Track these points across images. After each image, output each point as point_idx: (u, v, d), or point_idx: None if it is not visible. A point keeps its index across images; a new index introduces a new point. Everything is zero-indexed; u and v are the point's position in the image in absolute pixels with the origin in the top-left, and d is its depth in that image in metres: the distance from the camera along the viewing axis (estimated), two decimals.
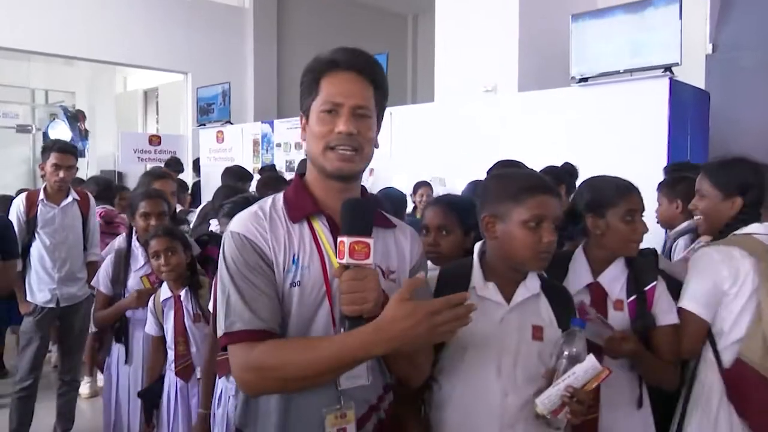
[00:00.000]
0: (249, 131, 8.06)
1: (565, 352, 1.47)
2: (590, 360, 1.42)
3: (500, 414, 1.53)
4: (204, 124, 8.82)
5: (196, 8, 9.09)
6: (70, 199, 3.76)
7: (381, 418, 1.42)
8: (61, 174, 3.62)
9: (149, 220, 2.92)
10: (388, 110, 5.06)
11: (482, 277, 1.61)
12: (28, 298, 3.67)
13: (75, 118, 9.46)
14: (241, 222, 1.36)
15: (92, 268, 3.94)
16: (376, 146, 1.42)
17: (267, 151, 7.70)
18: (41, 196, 3.68)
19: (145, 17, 8.55)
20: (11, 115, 11.41)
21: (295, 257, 1.33)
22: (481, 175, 4.67)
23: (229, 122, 8.43)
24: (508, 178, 1.64)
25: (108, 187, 5.17)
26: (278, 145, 7.58)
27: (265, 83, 9.70)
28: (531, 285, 1.61)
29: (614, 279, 1.92)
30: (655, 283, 1.90)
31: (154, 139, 8.90)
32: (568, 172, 3.67)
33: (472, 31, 5.99)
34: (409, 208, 5.08)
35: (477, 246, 1.70)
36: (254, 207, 1.40)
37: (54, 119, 10.20)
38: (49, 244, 3.67)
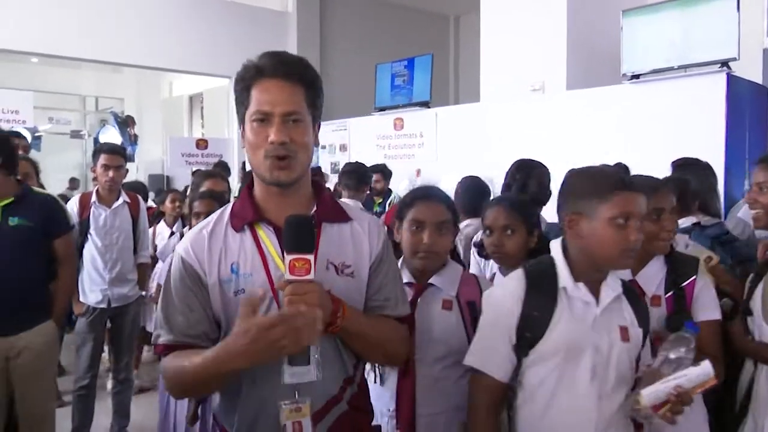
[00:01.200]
0: None
1: (672, 355, 1.47)
2: (705, 365, 1.43)
3: (596, 419, 1.50)
4: None
5: (240, 13, 9.19)
6: (120, 201, 3.84)
7: (343, 410, 1.43)
8: (111, 174, 3.71)
9: (199, 220, 2.97)
10: (433, 111, 5.07)
11: (571, 277, 1.56)
12: (81, 299, 3.75)
13: (125, 123, 9.69)
14: (184, 241, 1.43)
15: (142, 269, 4.05)
16: (317, 145, 1.44)
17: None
18: (93, 198, 3.77)
19: (189, 23, 8.67)
20: (64, 121, 11.79)
21: (234, 266, 1.37)
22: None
23: None
24: (592, 175, 1.58)
25: (141, 189, 5.34)
26: (323, 147, 7.62)
27: None
28: (614, 284, 1.59)
29: (652, 276, 1.90)
30: (694, 277, 1.87)
31: (201, 143, 9.02)
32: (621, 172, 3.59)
33: (518, 29, 5.92)
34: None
35: (555, 244, 1.64)
36: (203, 222, 1.46)
37: (105, 125, 10.46)
38: (101, 245, 3.74)
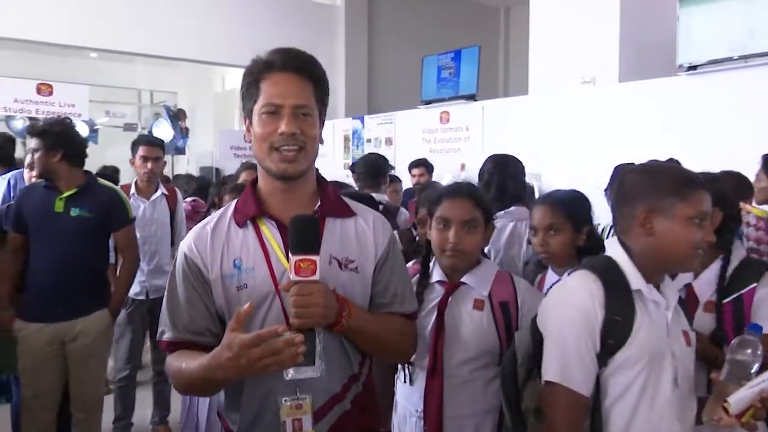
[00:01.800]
0: (340, 127, 8.14)
1: (739, 357, 1.40)
2: None
3: (679, 430, 1.42)
4: None
5: (290, 7, 9.25)
6: (159, 193, 3.92)
7: (346, 409, 1.42)
8: (149, 165, 3.79)
9: None
10: (479, 104, 4.95)
11: (642, 278, 1.46)
12: None
13: (176, 116, 9.90)
14: (187, 238, 1.45)
15: None
16: (321, 142, 1.45)
17: (357, 147, 7.75)
18: (132, 190, 3.84)
19: (239, 18, 8.77)
20: (119, 114, 12.12)
21: (237, 261, 1.38)
22: (581, 171, 4.48)
23: None
24: (666, 171, 1.51)
25: (204, 185, 5.41)
26: (368, 140, 7.60)
27: (357, 79, 9.74)
28: (672, 287, 1.52)
29: (710, 281, 1.84)
30: (755, 285, 1.77)
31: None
32: None
33: (569, 20, 5.74)
34: None
35: (615, 244, 1.53)
36: (207, 218, 1.48)
37: (158, 118, 10.72)
38: (139, 237, 3.75)
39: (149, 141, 3.93)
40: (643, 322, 1.42)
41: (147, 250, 3.83)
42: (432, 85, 6.79)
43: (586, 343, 1.41)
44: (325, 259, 1.35)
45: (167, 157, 10.99)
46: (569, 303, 1.46)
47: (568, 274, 2.16)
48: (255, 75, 1.39)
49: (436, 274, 1.90)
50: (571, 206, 2.12)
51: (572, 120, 5.19)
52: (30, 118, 6.85)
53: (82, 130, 9.15)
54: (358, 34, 9.83)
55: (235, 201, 1.48)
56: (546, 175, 5.12)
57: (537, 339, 1.52)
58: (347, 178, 6.66)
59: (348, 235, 1.45)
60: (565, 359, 1.42)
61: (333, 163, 8.01)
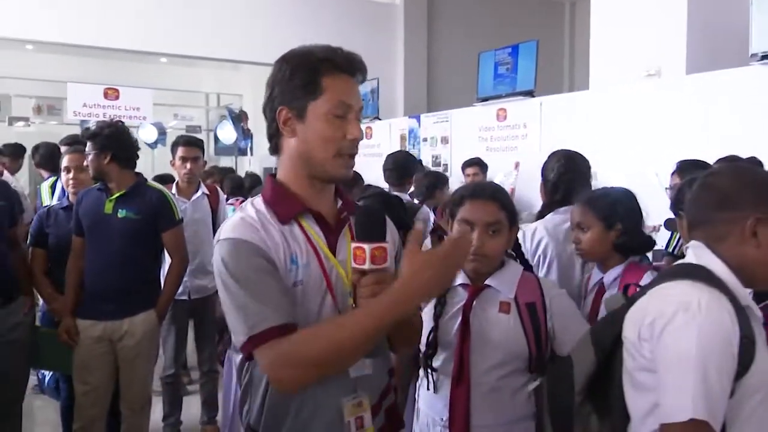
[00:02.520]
0: (396, 126, 8.07)
1: None
2: None
3: None
4: None
5: (349, 7, 9.29)
6: (200, 193, 3.94)
7: (391, 402, 1.45)
8: (188, 165, 3.83)
9: None
10: (537, 100, 4.73)
11: (748, 295, 1.32)
12: None
13: (239, 118, 10.08)
14: (233, 228, 1.31)
15: None
16: None
17: (414, 146, 7.65)
18: (173, 190, 3.86)
19: (297, 19, 8.86)
20: (187, 118, 12.50)
21: (294, 256, 1.32)
22: (642, 169, 4.21)
23: (378, 118, 8.51)
24: None
25: (240, 185, 5.47)
26: (425, 139, 7.50)
27: (415, 78, 9.68)
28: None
29: None
30: None
31: None
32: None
33: (632, 10, 5.46)
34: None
35: (704, 252, 1.35)
36: (238, 214, 1.38)
37: (222, 120, 10.98)
38: None
39: (187, 141, 3.95)
40: (760, 343, 1.24)
41: (189, 251, 3.83)
42: (489, 82, 6.61)
43: (728, 372, 1.18)
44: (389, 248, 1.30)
45: (230, 159, 11.43)
46: (706, 322, 1.19)
47: (627, 273, 2.08)
48: (315, 71, 1.33)
49: (459, 277, 1.83)
50: (599, 204, 2.14)
51: (635, 115, 4.91)
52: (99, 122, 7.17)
53: (151, 132, 9.50)
54: (418, 33, 9.77)
55: (256, 199, 1.41)
56: (602, 173, 4.87)
57: (602, 357, 1.37)
58: None
59: None
60: (707, 389, 1.16)
61: None
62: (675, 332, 1.21)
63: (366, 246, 1.22)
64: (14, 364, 2.96)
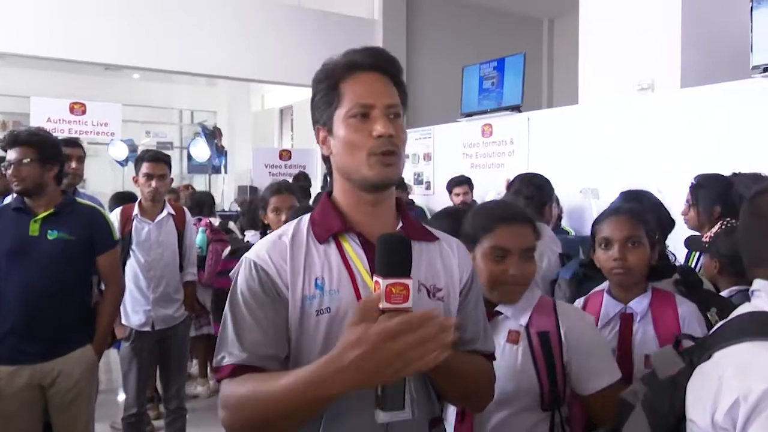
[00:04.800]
0: None
1: None
2: None
3: None
4: None
5: (327, 22, 9.10)
6: (165, 213, 3.58)
7: None
8: (154, 184, 3.46)
9: (280, 215, 2.99)
10: (525, 115, 4.54)
11: None
12: (123, 321, 3.47)
13: (212, 135, 9.77)
14: (258, 248, 1.25)
15: (189, 288, 3.72)
16: None
17: None
18: (136, 210, 3.52)
19: (277, 34, 8.65)
20: (160, 135, 12.15)
21: (319, 281, 1.21)
22: (643, 185, 4.02)
23: None
24: None
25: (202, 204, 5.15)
26: (406, 156, 7.25)
27: None
28: None
29: None
30: None
31: (285, 154, 8.96)
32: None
33: (623, 23, 5.32)
34: None
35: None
36: (280, 230, 1.31)
37: (195, 137, 10.65)
38: (144, 261, 3.47)
39: (153, 157, 3.57)
40: None
41: (152, 276, 3.49)
42: (473, 97, 6.41)
43: None
44: (414, 286, 1.12)
45: (204, 177, 11.10)
46: None
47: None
48: (335, 77, 1.25)
49: None
50: (646, 219, 1.92)
51: (629, 130, 4.73)
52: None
53: (121, 150, 9.15)
54: (397, 47, 9.59)
55: (308, 215, 1.33)
56: (604, 190, 4.68)
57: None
58: None
59: (434, 260, 1.30)
60: None
61: None
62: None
63: (381, 281, 1.06)
64: None
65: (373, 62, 1.25)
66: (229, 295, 1.24)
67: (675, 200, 2.89)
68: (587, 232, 3.16)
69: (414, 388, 1.14)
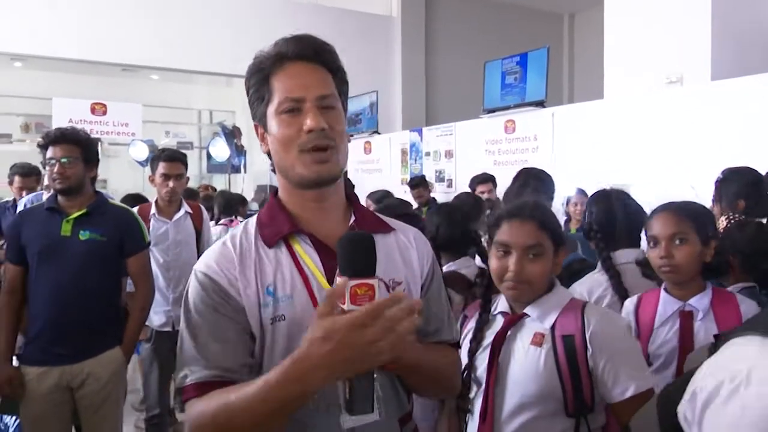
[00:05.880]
0: (397, 141, 7.78)
1: None
2: None
3: None
4: (352, 135, 8.72)
5: (344, 19, 9.08)
6: (182, 212, 3.55)
7: None
8: (171, 184, 3.43)
9: None
10: (549, 110, 4.43)
11: None
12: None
13: (232, 134, 9.76)
14: (206, 258, 1.20)
15: None
16: (348, 141, 1.24)
17: (416, 161, 7.35)
18: (153, 210, 3.49)
19: (294, 32, 8.58)
20: (180, 135, 12.19)
21: (270, 288, 1.16)
22: (675, 181, 3.93)
23: (377, 132, 8.23)
24: None
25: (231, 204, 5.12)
26: (427, 154, 7.19)
27: (414, 91, 9.45)
28: None
29: None
30: None
31: None
32: None
33: (650, 16, 5.20)
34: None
35: None
36: (225, 237, 1.24)
37: (215, 137, 10.66)
38: (162, 261, 3.44)
39: (170, 156, 3.53)
40: None
41: (172, 276, 3.46)
42: (495, 92, 6.33)
43: None
44: (379, 285, 1.08)
45: (223, 176, 11.12)
46: (754, 397, 0.82)
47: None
48: (264, 71, 1.18)
49: (501, 305, 1.66)
50: (696, 214, 1.86)
51: (657, 125, 4.62)
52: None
53: (142, 150, 9.18)
54: (416, 44, 9.57)
55: (255, 216, 1.27)
56: (632, 187, 4.57)
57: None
58: (405, 194, 6.30)
59: (391, 253, 1.25)
60: None
61: (390, 178, 7.65)
62: (714, 414, 0.86)
63: (348, 282, 1.01)
64: None
65: (300, 51, 1.18)
66: (182, 310, 1.19)
67: (709, 197, 2.80)
68: None
69: (381, 387, 1.10)
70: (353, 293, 1.01)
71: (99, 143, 3.76)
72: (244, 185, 10.89)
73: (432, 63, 9.69)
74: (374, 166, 8.18)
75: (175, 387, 1.17)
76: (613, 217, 2.28)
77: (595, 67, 5.95)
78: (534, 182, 3.13)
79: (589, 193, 4.85)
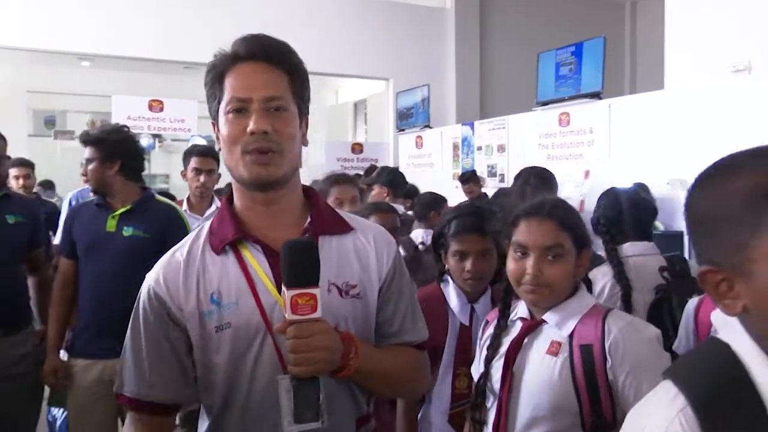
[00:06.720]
0: (448, 135, 7.67)
1: None
2: None
3: None
4: (403, 130, 8.66)
5: (397, 12, 9.02)
6: (213, 208, 3.52)
7: None
8: (202, 179, 3.45)
9: (342, 208, 2.87)
10: (605, 102, 4.24)
11: None
12: None
13: None
14: (156, 269, 1.24)
15: None
16: (305, 145, 1.25)
17: (467, 155, 7.23)
18: (184, 206, 3.49)
19: (347, 27, 8.67)
20: None
21: (215, 296, 1.17)
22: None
23: (428, 126, 8.14)
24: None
25: None
26: (479, 148, 7.06)
27: (467, 84, 9.30)
28: None
29: None
30: None
31: (357, 147, 8.95)
32: None
33: (715, 2, 4.91)
34: None
35: (733, 326, 0.80)
36: (179, 243, 1.27)
37: None
38: None
39: (202, 151, 3.54)
40: None
41: None
42: (549, 84, 6.13)
43: None
44: (323, 287, 1.13)
45: None
46: None
47: None
48: (218, 69, 1.19)
49: (521, 310, 1.58)
50: None
51: (722, 115, 4.37)
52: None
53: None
54: (470, 36, 9.42)
55: (210, 221, 1.29)
56: (691, 180, 4.35)
57: None
58: (456, 189, 6.20)
59: (346, 255, 1.24)
60: None
61: (442, 172, 7.56)
62: None
63: (286, 292, 1.04)
64: (17, 402, 2.61)
65: (252, 51, 1.18)
66: (132, 315, 1.25)
67: None
68: (678, 227, 2.91)
69: (328, 394, 1.11)
70: (294, 303, 1.03)
71: (156, 139, 3.82)
72: (302, 180, 11.02)
73: (486, 55, 9.52)
74: (426, 161, 8.10)
75: (115, 386, 1.25)
76: (619, 211, 2.35)
77: (659, 56, 5.68)
78: (535, 180, 3.14)
79: (651, 188, 4.69)
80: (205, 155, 3.51)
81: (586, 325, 1.46)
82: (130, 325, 1.25)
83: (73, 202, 3.72)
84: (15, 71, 9.87)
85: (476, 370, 1.66)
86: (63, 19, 7.15)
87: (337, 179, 3.07)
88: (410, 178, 7.48)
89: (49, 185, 7.33)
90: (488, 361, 1.58)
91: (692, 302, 1.91)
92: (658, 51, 5.66)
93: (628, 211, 2.35)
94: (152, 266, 2.66)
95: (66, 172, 8.25)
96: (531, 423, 1.46)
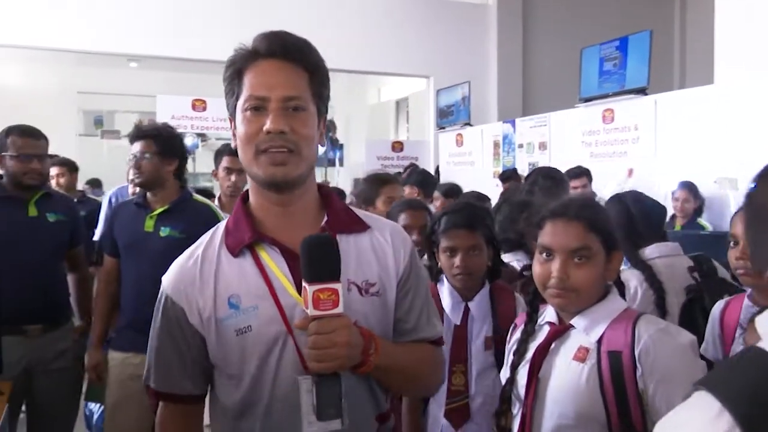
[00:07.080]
0: (489, 132, 7.57)
1: None
2: None
3: None
4: (444, 128, 8.59)
5: (440, 10, 8.96)
6: None
7: None
8: (233, 178, 3.42)
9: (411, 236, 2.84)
10: (651, 98, 4.13)
11: None
12: None
13: (328, 128, 9.92)
14: (171, 274, 1.25)
15: None
16: (322, 145, 1.24)
17: (508, 153, 7.12)
18: (216, 204, 3.52)
19: (390, 24, 8.65)
20: None
21: (233, 300, 1.17)
22: None
23: (469, 124, 8.06)
24: None
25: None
26: (520, 146, 6.95)
27: (509, 81, 9.17)
28: None
29: None
30: None
31: (397, 146, 8.93)
32: None
33: None
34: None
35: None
36: (194, 246, 1.27)
37: None
38: None
39: (233, 151, 3.56)
40: None
41: None
42: (593, 80, 5.99)
43: None
44: (343, 286, 1.11)
45: (320, 170, 11.33)
46: None
47: None
48: (237, 65, 1.18)
49: (549, 315, 1.53)
50: None
51: None
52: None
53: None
54: (512, 32, 9.29)
55: (225, 222, 1.28)
56: (744, 180, 4.17)
57: None
58: (497, 187, 6.11)
59: (364, 253, 1.23)
60: None
61: (482, 171, 7.48)
62: None
63: (308, 287, 1.04)
64: (57, 396, 2.68)
65: (272, 48, 1.16)
66: (153, 315, 1.27)
67: None
68: (726, 227, 2.82)
69: (348, 391, 1.10)
70: (315, 298, 1.03)
71: (200, 138, 3.85)
72: (339, 178, 11.06)
73: (528, 51, 9.36)
74: (466, 159, 8.02)
75: (144, 378, 1.30)
76: (630, 216, 2.32)
77: (710, 50, 5.48)
78: (543, 181, 3.05)
79: (699, 186, 4.54)
80: (236, 155, 3.52)
81: (615, 331, 1.40)
82: (152, 323, 1.27)
83: (113, 200, 3.79)
84: (66, 73, 10.21)
85: (503, 375, 1.62)
86: (112, 22, 7.35)
87: (385, 179, 3.07)
88: (450, 177, 7.41)
89: (96, 183, 7.55)
90: (514, 367, 1.54)
91: (718, 305, 1.87)
92: (708, 46, 5.46)
93: (640, 215, 2.33)
94: None
95: (112, 171, 8.50)
96: (555, 430, 1.41)
